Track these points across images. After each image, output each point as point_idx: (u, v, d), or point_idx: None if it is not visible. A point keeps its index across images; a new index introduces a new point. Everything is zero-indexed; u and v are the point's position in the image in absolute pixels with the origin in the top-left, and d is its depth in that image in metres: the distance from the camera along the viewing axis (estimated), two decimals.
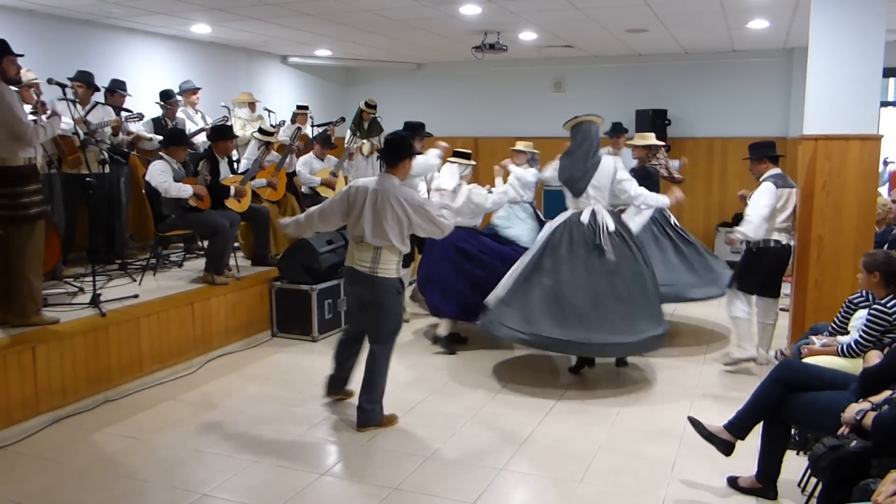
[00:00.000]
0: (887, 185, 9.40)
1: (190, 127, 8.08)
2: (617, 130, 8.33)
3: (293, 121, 9.33)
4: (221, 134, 6.93)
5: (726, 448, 3.86)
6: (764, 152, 5.92)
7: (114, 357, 5.34)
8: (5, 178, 4.77)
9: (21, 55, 4.86)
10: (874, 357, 3.67)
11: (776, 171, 5.85)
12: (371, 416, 4.76)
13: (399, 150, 4.81)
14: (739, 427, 3.82)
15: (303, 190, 8.17)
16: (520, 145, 7.26)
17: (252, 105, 9.17)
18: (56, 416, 4.86)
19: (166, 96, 7.98)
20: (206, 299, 6.20)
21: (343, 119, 9.69)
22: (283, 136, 8.71)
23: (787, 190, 5.76)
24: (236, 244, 7.16)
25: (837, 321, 4.52)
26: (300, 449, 4.50)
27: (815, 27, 5.59)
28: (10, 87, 4.82)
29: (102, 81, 7.22)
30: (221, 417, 4.98)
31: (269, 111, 9.30)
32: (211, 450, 4.45)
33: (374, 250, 4.63)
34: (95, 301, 5.40)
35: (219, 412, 5.08)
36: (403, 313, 5.37)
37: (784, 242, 5.77)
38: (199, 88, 8.51)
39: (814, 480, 3.60)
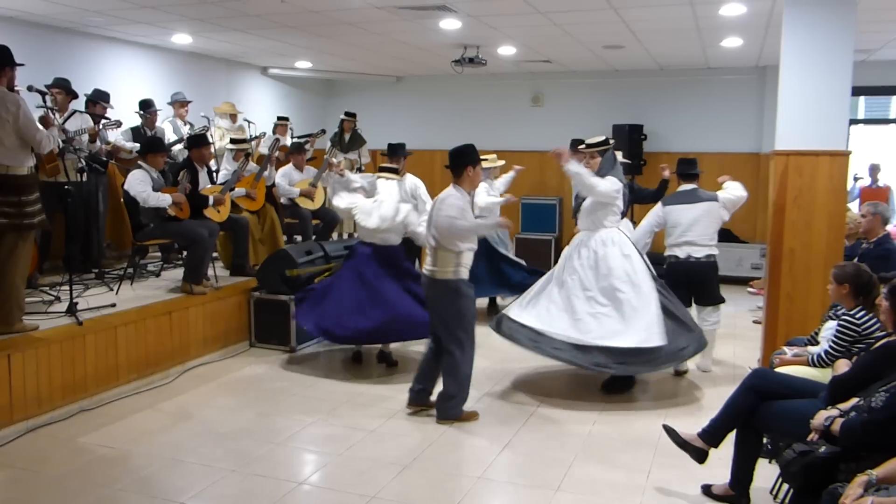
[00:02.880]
0: (857, 200, 9.60)
1: (170, 137, 8.08)
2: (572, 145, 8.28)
3: (273, 132, 9.35)
4: (197, 141, 6.94)
5: (700, 456, 3.93)
6: (680, 169, 6.40)
7: (90, 366, 5.30)
8: (13, 186, 4.84)
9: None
10: (843, 366, 3.77)
11: (686, 187, 6.33)
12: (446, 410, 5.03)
13: (459, 160, 4.97)
14: (713, 435, 3.89)
15: (282, 201, 8.18)
16: (486, 163, 7.02)
17: (233, 116, 9.18)
18: (31, 426, 4.82)
19: (146, 105, 7.97)
20: (183, 309, 6.19)
21: (324, 131, 9.75)
22: (263, 147, 8.73)
23: (678, 206, 6.18)
24: (215, 254, 7.15)
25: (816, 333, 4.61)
26: (278, 458, 4.50)
27: (786, 46, 5.73)
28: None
29: (81, 90, 7.19)
30: (198, 427, 4.97)
31: (249, 122, 9.32)
32: (188, 459, 4.44)
33: (432, 252, 4.91)
34: (72, 310, 5.36)
35: (196, 422, 5.07)
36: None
37: (682, 257, 6.15)
38: (189, 101, 8.53)
39: (785, 488, 3.67)
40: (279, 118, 9.67)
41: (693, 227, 6.14)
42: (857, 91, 8.95)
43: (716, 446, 3.92)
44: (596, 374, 5.69)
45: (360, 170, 9.71)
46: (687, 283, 6.15)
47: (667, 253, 6.30)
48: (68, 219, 6.78)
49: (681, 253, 6.17)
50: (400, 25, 7.77)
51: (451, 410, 5.02)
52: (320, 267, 6.96)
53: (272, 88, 11.70)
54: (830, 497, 2.74)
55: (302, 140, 9.02)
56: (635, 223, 7.91)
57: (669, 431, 4.05)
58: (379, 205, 5.93)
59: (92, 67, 8.37)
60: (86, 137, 6.88)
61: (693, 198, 6.23)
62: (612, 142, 5.88)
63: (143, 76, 9.12)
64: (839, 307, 4.41)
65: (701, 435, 3.94)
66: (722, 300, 6.31)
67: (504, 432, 4.89)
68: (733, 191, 6.32)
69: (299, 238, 8.30)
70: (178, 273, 6.86)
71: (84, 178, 6.53)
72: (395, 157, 7.28)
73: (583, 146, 6.01)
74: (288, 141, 9.40)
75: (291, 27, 7.98)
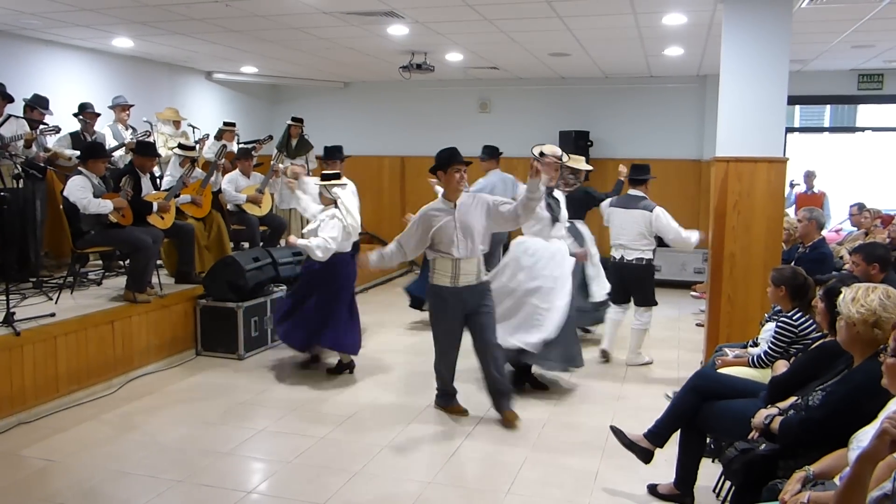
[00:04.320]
0: (793, 206, 9.92)
1: (111, 142, 7.90)
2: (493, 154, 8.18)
3: (219, 137, 9.21)
4: (145, 150, 6.81)
5: (646, 456, 4.02)
6: (630, 174, 6.70)
7: (28, 378, 5.15)
8: None
9: None
10: (781, 366, 3.90)
11: (631, 192, 6.63)
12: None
13: (437, 163, 5.06)
14: (658, 435, 3.98)
15: (229, 207, 8.07)
16: None
17: (177, 122, 9.01)
18: None
19: (82, 108, 7.77)
20: (126, 318, 6.05)
21: (270, 137, 9.64)
22: (209, 153, 8.59)
23: (616, 209, 6.60)
24: (159, 261, 7.01)
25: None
26: (225, 467, 4.44)
27: (725, 56, 5.90)
28: None
29: (17, 94, 6.98)
30: (143, 438, 4.86)
31: (194, 128, 9.16)
32: (132, 471, 4.34)
33: (477, 262, 5.07)
34: (9, 320, 5.20)
35: (140, 433, 4.96)
36: None
37: (616, 258, 6.59)
38: (131, 105, 8.33)
39: (727, 485, 3.77)
40: (225, 124, 9.52)
41: (623, 231, 6.52)
42: (793, 100, 9.25)
43: (661, 446, 4.01)
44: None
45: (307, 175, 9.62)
46: (621, 283, 6.62)
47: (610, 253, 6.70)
48: (4, 226, 6.54)
49: (616, 254, 6.60)
50: (347, 31, 7.75)
51: (437, 399, 5.46)
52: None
53: (217, 93, 11.52)
54: (771, 493, 2.83)
55: (248, 146, 8.90)
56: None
57: (616, 432, 4.13)
58: (347, 214, 5.86)
59: (28, 71, 8.13)
60: (22, 143, 6.69)
61: (631, 203, 6.53)
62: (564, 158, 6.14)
63: (83, 81, 8.89)
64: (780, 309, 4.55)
65: (647, 436, 4.02)
66: (652, 303, 6.60)
67: (453, 437, 4.91)
68: (683, 233, 6.41)
69: (246, 245, 8.21)
70: (121, 281, 6.72)
71: (20, 185, 6.33)
72: (333, 161, 6.91)
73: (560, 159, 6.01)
74: (234, 147, 9.27)
75: (236, 31, 7.88)
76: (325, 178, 5.95)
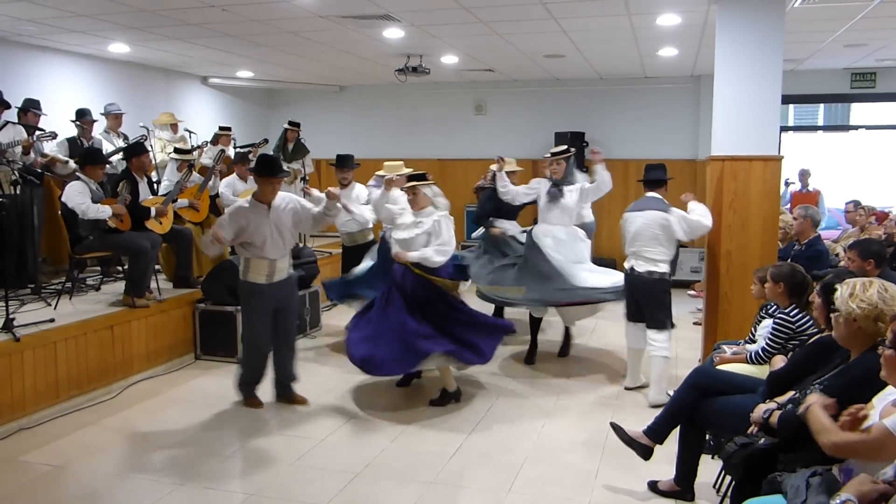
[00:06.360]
0: (788, 204, 9.96)
1: (107, 148, 7.90)
2: None
3: (215, 142, 9.21)
4: (135, 150, 6.81)
5: (645, 452, 4.04)
6: (646, 175, 5.79)
7: (28, 383, 5.15)
8: None
9: None
10: (779, 361, 3.93)
11: (647, 194, 5.75)
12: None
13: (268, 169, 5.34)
14: (658, 432, 4.01)
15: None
16: (399, 170, 6.53)
17: (174, 126, 9.01)
18: None
19: (81, 114, 7.78)
20: (125, 322, 6.06)
21: (266, 141, 9.65)
22: (207, 158, 8.60)
23: (630, 214, 5.74)
24: (158, 266, 7.02)
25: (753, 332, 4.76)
26: (227, 470, 4.45)
27: (719, 56, 5.94)
28: None
29: (13, 101, 7.00)
30: (144, 442, 4.87)
31: (191, 132, 9.17)
32: (134, 475, 4.35)
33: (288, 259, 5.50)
34: (8, 326, 5.20)
35: (141, 437, 4.97)
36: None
37: (626, 269, 5.72)
38: (122, 113, 8.33)
39: (728, 481, 3.80)
40: (221, 128, 9.52)
41: (637, 238, 5.60)
42: (787, 99, 9.28)
43: (661, 443, 4.03)
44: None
45: (304, 180, 9.64)
46: (632, 297, 5.75)
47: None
48: (2, 232, 6.56)
49: (627, 264, 5.72)
50: (343, 34, 7.78)
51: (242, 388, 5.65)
52: None
53: (212, 98, 11.54)
54: (771, 486, 2.84)
55: (245, 150, 8.92)
56: None
57: (616, 429, 4.16)
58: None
59: (24, 78, 8.13)
60: (19, 149, 6.69)
61: (642, 206, 5.67)
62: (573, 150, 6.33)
63: (79, 87, 8.90)
64: (770, 306, 4.59)
65: (646, 432, 4.05)
66: (664, 325, 5.57)
67: (454, 438, 4.93)
68: (695, 215, 5.56)
69: None
70: (119, 287, 6.72)
71: (18, 191, 6.34)
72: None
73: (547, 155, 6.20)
74: (231, 151, 9.28)
75: (232, 36, 7.90)
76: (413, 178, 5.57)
